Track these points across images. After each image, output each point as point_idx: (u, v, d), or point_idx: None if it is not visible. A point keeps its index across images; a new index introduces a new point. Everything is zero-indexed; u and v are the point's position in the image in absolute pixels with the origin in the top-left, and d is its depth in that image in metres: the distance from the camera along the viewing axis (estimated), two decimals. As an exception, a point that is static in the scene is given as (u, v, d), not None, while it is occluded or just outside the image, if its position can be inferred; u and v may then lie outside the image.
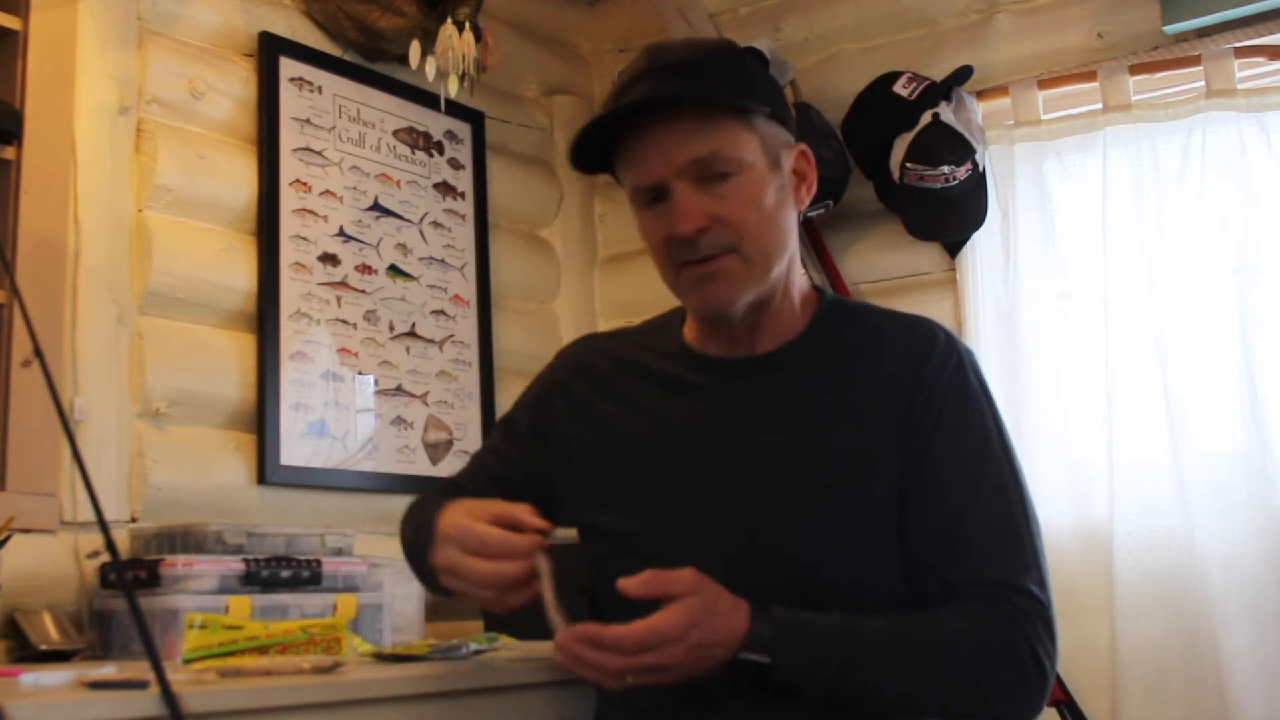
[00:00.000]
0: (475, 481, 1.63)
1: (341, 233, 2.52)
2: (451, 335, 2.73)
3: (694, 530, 1.41)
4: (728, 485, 1.41)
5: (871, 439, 1.38)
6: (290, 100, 2.47)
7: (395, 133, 2.69)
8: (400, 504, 2.54)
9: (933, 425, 1.38)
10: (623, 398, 1.53)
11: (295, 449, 2.34)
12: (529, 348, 2.96)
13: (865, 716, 1.33)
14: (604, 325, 3.11)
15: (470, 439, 2.70)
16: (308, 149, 2.49)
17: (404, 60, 2.59)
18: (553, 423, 1.58)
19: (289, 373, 2.36)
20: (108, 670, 1.41)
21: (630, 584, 1.26)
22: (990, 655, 1.32)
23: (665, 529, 1.43)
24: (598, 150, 1.43)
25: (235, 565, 1.85)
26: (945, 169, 2.55)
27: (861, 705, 1.31)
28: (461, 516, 1.38)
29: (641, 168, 1.39)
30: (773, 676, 1.28)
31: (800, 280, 1.51)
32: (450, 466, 2.59)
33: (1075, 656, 2.42)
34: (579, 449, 1.54)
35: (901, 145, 2.60)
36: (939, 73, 2.69)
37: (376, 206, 2.61)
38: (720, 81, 1.37)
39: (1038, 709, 1.36)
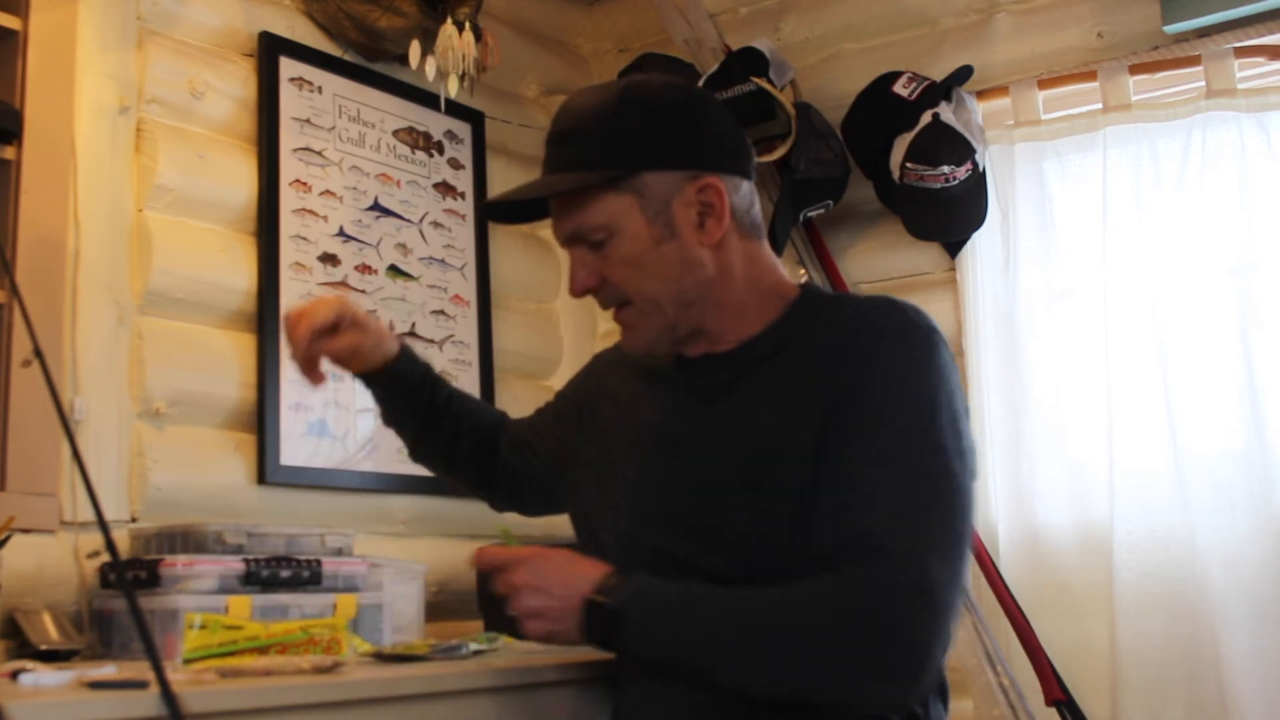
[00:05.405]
0: (519, 423, 1.79)
1: (341, 233, 2.52)
2: (451, 335, 2.73)
3: (652, 518, 1.46)
4: (679, 475, 1.46)
5: (794, 416, 1.39)
6: (290, 100, 2.47)
7: (395, 133, 2.69)
8: (400, 504, 2.57)
9: (851, 395, 1.36)
10: (614, 395, 1.62)
11: (295, 449, 2.34)
12: (529, 348, 2.96)
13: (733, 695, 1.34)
14: (604, 326, 3.11)
15: (470, 439, 2.70)
16: (308, 149, 2.49)
17: (404, 60, 2.59)
18: (578, 406, 1.69)
19: (289, 373, 2.36)
20: (108, 670, 1.41)
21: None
22: (837, 624, 1.27)
23: (616, 520, 1.50)
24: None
25: (235, 565, 1.85)
26: (945, 169, 2.54)
27: (724, 675, 1.32)
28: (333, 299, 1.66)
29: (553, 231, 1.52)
30: (623, 628, 1.34)
31: (770, 281, 1.51)
32: (450, 466, 2.59)
33: (1075, 656, 2.42)
34: (586, 438, 1.63)
35: (901, 145, 2.60)
36: (939, 73, 2.69)
37: (376, 206, 2.61)
38: (590, 151, 1.43)
39: (904, 689, 1.29)
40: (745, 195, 1.48)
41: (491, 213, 1.54)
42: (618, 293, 1.47)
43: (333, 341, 1.63)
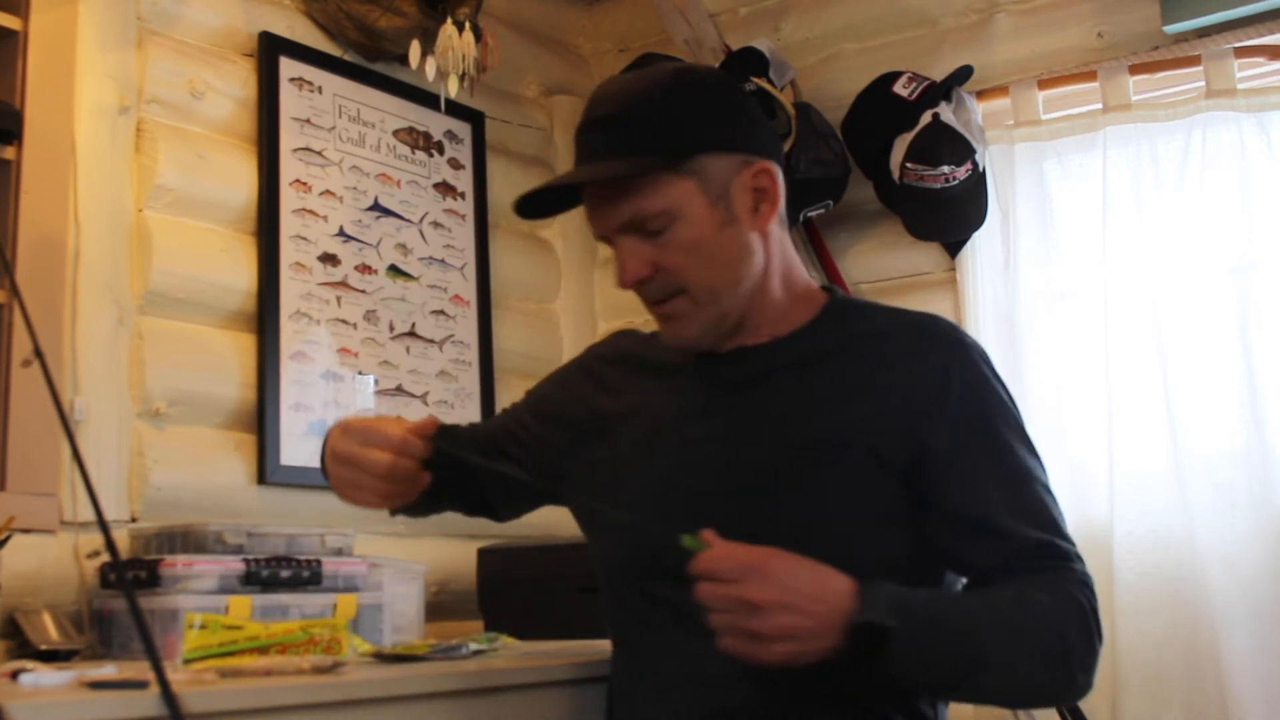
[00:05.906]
0: (480, 429, 1.70)
1: (341, 233, 2.52)
2: (451, 335, 2.73)
3: (674, 514, 1.40)
4: (705, 470, 1.43)
5: (851, 422, 1.38)
6: (290, 100, 2.47)
7: (395, 133, 2.69)
8: (400, 504, 2.56)
9: (946, 420, 1.38)
10: (618, 391, 1.57)
11: (295, 449, 2.34)
12: (529, 348, 2.96)
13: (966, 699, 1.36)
14: (604, 325, 3.11)
15: (470, 439, 2.70)
16: (308, 149, 2.49)
17: (404, 60, 2.59)
18: (574, 402, 1.62)
19: (289, 373, 2.36)
20: (108, 670, 1.41)
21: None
22: (1074, 629, 1.31)
23: (650, 515, 1.44)
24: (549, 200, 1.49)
25: (235, 565, 1.85)
26: (945, 169, 2.55)
27: (972, 687, 1.30)
28: (361, 419, 1.46)
29: (590, 222, 1.45)
30: (892, 650, 1.22)
31: (799, 279, 1.51)
32: (450, 466, 2.59)
33: (1075, 656, 2.42)
34: (588, 435, 1.57)
35: (901, 145, 2.60)
36: (939, 73, 2.69)
37: (376, 206, 2.61)
38: (646, 133, 1.38)
39: (1092, 678, 1.35)
40: (784, 185, 1.47)
41: (522, 206, 1.45)
42: (673, 282, 1.40)
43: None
